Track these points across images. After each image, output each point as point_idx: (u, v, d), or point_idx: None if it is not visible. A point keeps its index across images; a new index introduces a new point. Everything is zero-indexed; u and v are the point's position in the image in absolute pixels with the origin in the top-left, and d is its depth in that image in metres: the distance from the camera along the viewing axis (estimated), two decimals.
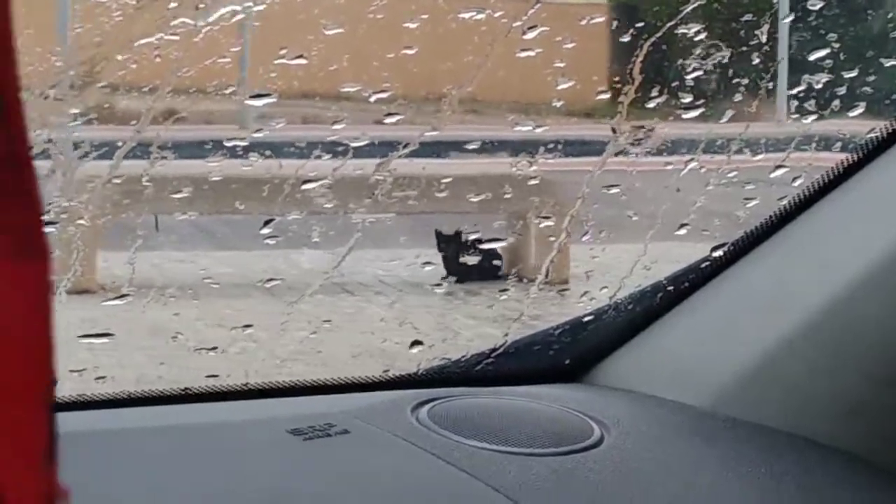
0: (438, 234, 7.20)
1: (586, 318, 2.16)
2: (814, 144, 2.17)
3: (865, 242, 1.87)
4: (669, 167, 2.10)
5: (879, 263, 1.81)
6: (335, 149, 2.03)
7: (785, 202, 2.00)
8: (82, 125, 2.39)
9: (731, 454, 1.77)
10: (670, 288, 2.10)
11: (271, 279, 1.87)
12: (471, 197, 6.58)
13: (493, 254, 7.05)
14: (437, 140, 2.05)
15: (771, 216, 2.04)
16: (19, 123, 0.46)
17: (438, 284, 7.08)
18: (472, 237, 6.90)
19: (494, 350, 2.13)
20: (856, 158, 1.92)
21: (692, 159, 2.07)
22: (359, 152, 2.07)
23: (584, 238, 2.05)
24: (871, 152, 1.90)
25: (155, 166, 1.91)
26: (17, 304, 0.48)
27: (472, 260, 6.82)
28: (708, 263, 2.08)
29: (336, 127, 1.90)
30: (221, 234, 6.64)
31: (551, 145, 2.26)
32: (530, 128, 2.18)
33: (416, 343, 2.20)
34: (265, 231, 1.95)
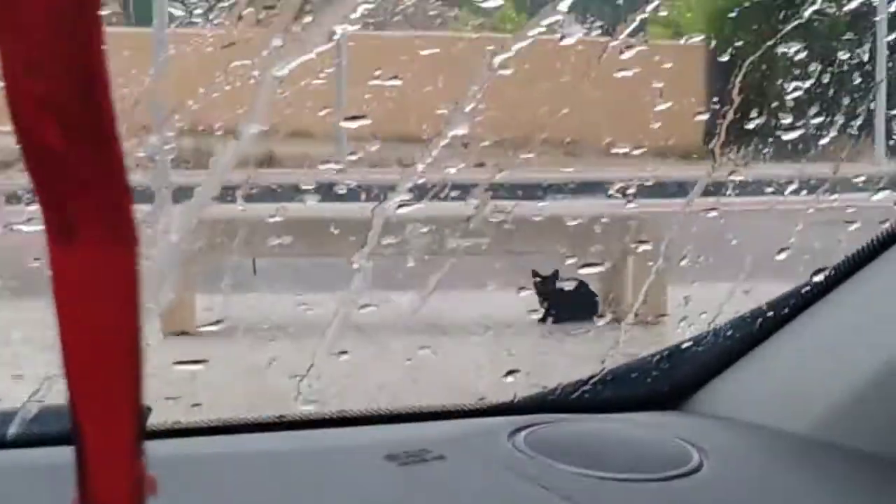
0: (535, 274, 7.20)
1: (685, 345, 2.13)
2: None
3: None
4: (762, 205, 2.07)
5: None
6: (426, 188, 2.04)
7: (887, 225, 1.96)
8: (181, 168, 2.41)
9: (833, 481, 1.73)
10: (770, 313, 2.07)
11: (366, 305, 1.87)
12: (564, 239, 6.61)
13: (589, 293, 7.02)
14: (534, 182, 2.05)
15: (873, 239, 1.99)
16: (105, 97, 0.46)
17: (542, 321, 7.08)
18: (569, 276, 6.90)
19: (592, 377, 2.11)
20: None
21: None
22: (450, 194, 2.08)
23: (683, 263, 2.02)
24: None
25: (247, 209, 1.92)
26: (104, 292, 0.47)
27: (568, 299, 6.80)
28: (809, 288, 2.04)
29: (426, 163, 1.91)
30: (317, 276, 6.70)
31: (647, 184, 2.25)
32: (626, 170, 2.18)
33: (511, 372, 2.18)
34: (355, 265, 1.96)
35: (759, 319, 2.07)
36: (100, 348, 0.49)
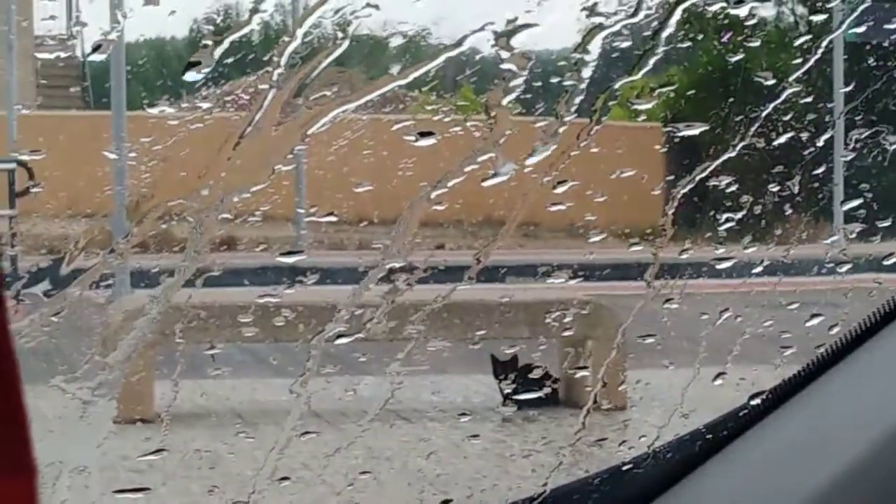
0: (494, 360, 7.12)
1: (625, 467, 2.15)
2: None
3: None
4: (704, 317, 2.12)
5: None
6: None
7: (822, 350, 2.01)
8: (139, 254, 2.43)
9: None
10: (709, 436, 2.10)
11: (307, 432, 1.87)
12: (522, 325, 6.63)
13: (549, 379, 6.94)
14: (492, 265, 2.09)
15: (808, 364, 2.04)
16: (2, 337, 0.46)
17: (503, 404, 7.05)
18: (529, 363, 6.85)
19: (532, 500, 2.12)
20: (890, 308, 1.93)
21: (727, 309, 2.09)
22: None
23: (620, 388, 2.06)
24: None
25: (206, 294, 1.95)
26: None
27: (529, 386, 6.74)
28: (746, 411, 2.08)
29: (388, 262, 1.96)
30: (276, 361, 6.71)
31: (603, 269, 2.33)
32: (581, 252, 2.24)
33: (446, 502, 2.19)
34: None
35: (699, 442, 2.10)
36: None
